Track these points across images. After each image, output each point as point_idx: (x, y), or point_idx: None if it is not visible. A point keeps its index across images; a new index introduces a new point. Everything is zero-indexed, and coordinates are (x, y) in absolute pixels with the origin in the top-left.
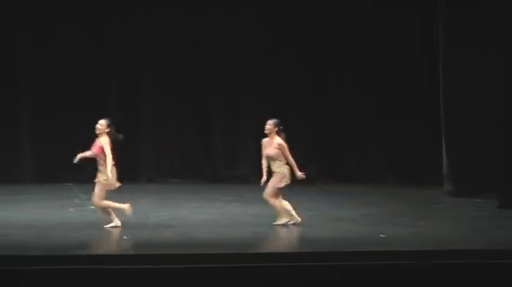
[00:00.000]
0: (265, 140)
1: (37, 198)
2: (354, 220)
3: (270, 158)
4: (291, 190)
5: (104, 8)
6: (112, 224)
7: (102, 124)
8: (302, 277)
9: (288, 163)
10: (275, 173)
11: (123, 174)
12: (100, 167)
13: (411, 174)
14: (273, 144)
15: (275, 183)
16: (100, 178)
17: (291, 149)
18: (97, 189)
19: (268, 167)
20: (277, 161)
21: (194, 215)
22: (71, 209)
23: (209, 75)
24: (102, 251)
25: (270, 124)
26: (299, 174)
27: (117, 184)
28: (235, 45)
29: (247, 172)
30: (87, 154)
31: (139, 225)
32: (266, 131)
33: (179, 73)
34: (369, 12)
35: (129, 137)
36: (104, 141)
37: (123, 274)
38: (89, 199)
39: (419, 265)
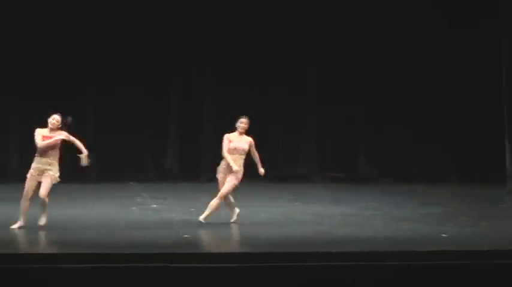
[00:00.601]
0: (232, 135)
1: (100, 197)
2: (415, 219)
3: (239, 153)
4: (351, 191)
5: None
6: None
7: (58, 120)
8: (366, 276)
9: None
10: (237, 171)
11: (184, 173)
12: (53, 161)
13: (475, 174)
14: (243, 139)
15: (237, 181)
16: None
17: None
18: (48, 183)
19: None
20: (243, 157)
21: (256, 214)
22: (134, 208)
23: (267, 77)
24: (165, 249)
25: (247, 123)
26: (261, 170)
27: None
28: (299, 49)
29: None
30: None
31: (201, 223)
32: (242, 129)
33: (239, 76)
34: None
35: (189, 138)
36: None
37: (184, 272)
38: (152, 197)
39: (480, 265)
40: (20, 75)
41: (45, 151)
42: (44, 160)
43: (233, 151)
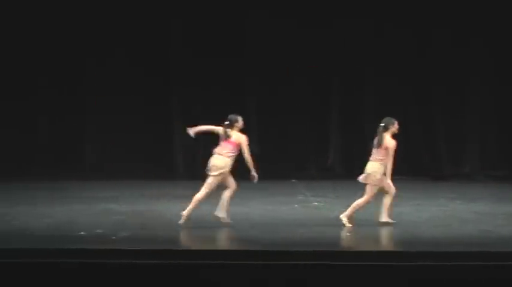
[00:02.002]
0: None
1: (263, 194)
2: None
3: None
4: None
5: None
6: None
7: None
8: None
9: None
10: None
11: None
12: None
13: None
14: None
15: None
16: None
17: None
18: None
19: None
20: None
21: (417, 213)
22: (296, 206)
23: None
24: (326, 247)
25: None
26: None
27: None
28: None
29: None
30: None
31: (361, 221)
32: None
33: (398, 71)
34: None
35: (351, 136)
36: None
37: (345, 270)
38: (313, 195)
39: None
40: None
41: None
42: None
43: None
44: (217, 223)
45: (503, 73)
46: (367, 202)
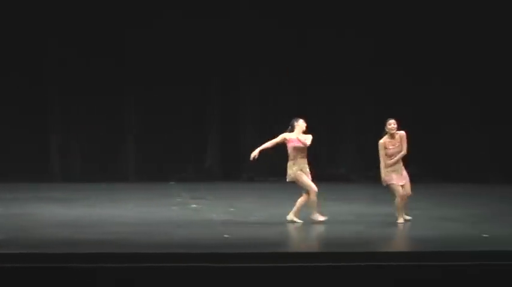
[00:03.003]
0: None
1: (140, 197)
2: (456, 219)
3: None
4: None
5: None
6: None
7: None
8: (399, 276)
9: None
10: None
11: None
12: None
13: None
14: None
15: None
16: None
17: None
18: None
19: None
20: None
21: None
22: (174, 208)
23: (312, 77)
24: (205, 249)
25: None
26: None
27: None
28: (342, 53)
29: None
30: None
31: (240, 224)
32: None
33: (280, 72)
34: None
35: (229, 137)
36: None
37: (225, 272)
38: (192, 197)
39: None
40: None
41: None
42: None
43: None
44: (92, 226)
45: (376, 75)
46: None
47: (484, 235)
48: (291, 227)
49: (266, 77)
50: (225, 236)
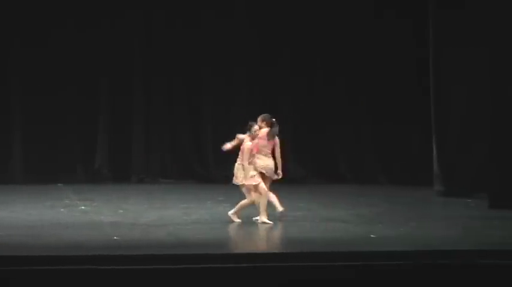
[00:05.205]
0: None
1: (27, 198)
2: (344, 220)
3: None
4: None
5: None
6: None
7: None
8: (284, 277)
9: None
10: None
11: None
12: None
13: (403, 174)
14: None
15: None
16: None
17: None
18: None
19: None
20: None
21: (185, 216)
22: (62, 210)
23: (200, 75)
24: (94, 251)
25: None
26: None
27: None
28: (228, 45)
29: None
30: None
31: (130, 225)
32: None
33: (170, 73)
34: (359, 12)
35: (121, 138)
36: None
37: (114, 274)
38: (81, 199)
39: (408, 266)
40: None
41: None
42: None
43: None
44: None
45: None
46: (252, 202)
47: (372, 236)
48: (179, 228)
49: (157, 79)
50: (115, 238)
